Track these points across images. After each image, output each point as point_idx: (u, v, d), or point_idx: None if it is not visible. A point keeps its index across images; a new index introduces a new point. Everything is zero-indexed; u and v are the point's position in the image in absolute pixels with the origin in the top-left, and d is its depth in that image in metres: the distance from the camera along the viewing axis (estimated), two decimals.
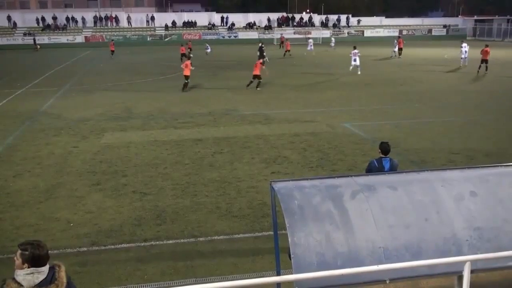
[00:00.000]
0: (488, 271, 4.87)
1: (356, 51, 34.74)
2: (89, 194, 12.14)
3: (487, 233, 5.08)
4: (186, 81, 28.05)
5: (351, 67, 35.03)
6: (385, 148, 8.84)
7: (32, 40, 63.53)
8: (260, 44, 43.80)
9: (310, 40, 56.36)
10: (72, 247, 9.33)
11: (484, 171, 5.88)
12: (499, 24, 79.54)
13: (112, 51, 51.04)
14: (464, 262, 4.38)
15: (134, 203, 11.53)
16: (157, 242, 9.56)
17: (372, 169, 8.72)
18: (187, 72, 27.94)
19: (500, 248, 4.80)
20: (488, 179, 5.65)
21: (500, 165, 6.01)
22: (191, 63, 28.78)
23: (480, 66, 34.93)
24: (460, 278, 4.49)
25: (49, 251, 4.70)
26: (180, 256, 9.03)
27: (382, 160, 8.76)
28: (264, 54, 41.36)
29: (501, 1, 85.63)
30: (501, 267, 4.90)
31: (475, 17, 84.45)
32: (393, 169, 8.63)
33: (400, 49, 48.06)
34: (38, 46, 61.93)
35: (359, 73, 34.09)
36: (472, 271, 4.40)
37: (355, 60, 34.66)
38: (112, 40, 57.77)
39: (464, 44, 39.87)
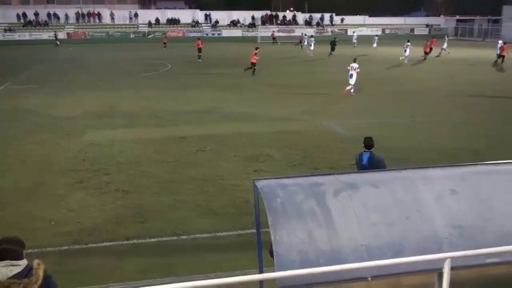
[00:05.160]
0: (468, 268, 4.92)
1: (355, 65, 26.02)
2: (72, 192, 12.05)
3: (467, 230, 5.14)
4: (252, 67, 33.63)
5: (347, 87, 26.19)
6: (366, 143, 9.25)
7: (54, 36, 63.23)
8: (333, 38, 49.87)
9: (355, 36, 57.88)
10: (54, 246, 9.26)
11: (465, 169, 5.94)
12: (480, 24, 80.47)
13: (165, 44, 56.66)
14: (444, 259, 4.43)
15: (117, 201, 11.47)
16: (139, 240, 9.52)
17: (356, 161, 9.35)
18: (252, 60, 33.50)
19: (479, 245, 4.85)
20: (468, 178, 5.71)
21: (481, 164, 6.07)
22: (256, 53, 33.80)
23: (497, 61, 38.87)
24: (440, 275, 4.54)
25: (30, 250, 4.72)
26: (162, 254, 9.01)
27: (362, 154, 9.18)
28: (336, 47, 47.35)
29: (482, 2, 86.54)
30: (481, 264, 4.95)
31: (457, 17, 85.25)
32: (371, 162, 8.95)
33: (428, 50, 44.75)
34: (58, 42, 61.75)
35: (352, 91, 26.14)
36: (452, 268, 4.45)
37: (351, 76, 25.87)
38: (164, 34, 61.90)
39: (408, 44, 42.52)
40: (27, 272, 4.57)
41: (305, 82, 30.74)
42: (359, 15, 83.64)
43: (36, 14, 71.04)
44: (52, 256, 8.71)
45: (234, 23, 76.66)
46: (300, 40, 58.60)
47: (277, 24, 78.22)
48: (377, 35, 61.56)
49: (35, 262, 4.69)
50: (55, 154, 15.24)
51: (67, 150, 15.69)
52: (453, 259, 4.44)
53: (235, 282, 3.84)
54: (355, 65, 25.89)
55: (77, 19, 72.90)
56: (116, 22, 73.93)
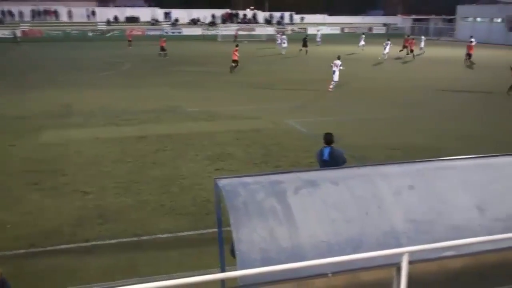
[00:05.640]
0: (425, 261, 5.03)
1: (338, 62, 27.39)
2: (28, 194, 11.75)
3: (424, 225, 5.27)
4: (233, 64, 34.24)
5: (331, 85, 27.11)
6: (326, 138, 9.52)
7: (12, 34, 61.76)
8: (305, 36, 52.39)
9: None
10: (10, 249, 9.02)
11: (421, 165, 6.07)
12: (435, 23, 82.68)
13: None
14: (402, 254, 4.52)
15: (75, 202, 11.26)
16: (99, 242, 9.37)
17: (316, 157, 9.63)
18: (234, 57, 34.22)
19: (436, 239, 4.97)
20: (424, 173, 5.84)
21: (436, 160, 6.23)
22: (237, 50, 34.59)
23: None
24: (399, 269, 4.63)
25: None
26: (123, 256, 8.90)
27: (323, 149, 9.43)
28: (307, 44, 49.08)
29: (437, 2, 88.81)
30: (437, 257, 5.08)
31: (413, 16, 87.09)
32: (332, 156, 9.23)
33: (413, 49, 46.19)
34: (18, 39, 60.42)
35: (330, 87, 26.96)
36: (410, 262, 4.55)
37: (334, 73, 27.11)
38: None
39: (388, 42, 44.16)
40: None
41: (271, 80, 30.84)
42: (319, 14, 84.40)
43: None
44: (9, 260, 8.49)
45: (194, 22, 76.21)
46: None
47: (238, 22, 78.17)
48: (363, 33, 62.05)
49: None
50: (10, 155, 14.84)
51: (22, 151, 15.29)
52: (410, 253, 4.53)
53: (197, 281, 3.83)
54: (338, 62, 27.09)
55: (33, 16, 71.02)
56: (74, 20, 72.41)
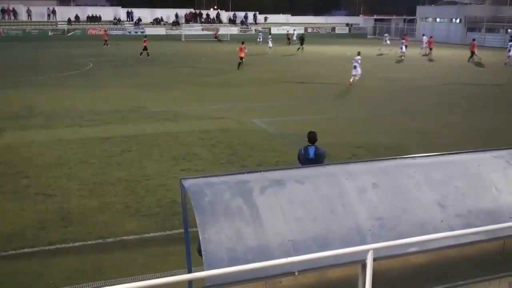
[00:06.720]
0: (389, 258, 5.13)
1: (358, 57, 29.01)
2: None
3: (388, 222, 5.36)
4: (240, 61, 35.45)
5: (351, 79, 28.68)
6: (310, 137, 9.52)
7: None
8: (302, 35, 55.46)
9: (386, 35, 59.90)
10: None
11: (384, 163, 6.19)
12: (396, 24, 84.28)
13: (105, 41, 55.23)
14: (367, 251, 4.60)
15: (37, 205, 11.02)
16: (63, 245, 9.20)
17: (299, 156, 9.52)
18: (241, 54, 35.44)
19: (400, 236, 5.07)
20: (388, 171, 5.95)
21: (399, 157, 6.35)
22: (244, 47, 35.78)
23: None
24: (364, 266, 4.70)
25: None
26: (88, 259, 8.76)
27: (308, 148, 9.42)
28: (304, 42, 51.94)
29: (399, 2, 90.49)
30: (401, 254, 5.18)
31: (375, 17, 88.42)
32: (317, 155, 9.26)
33: (430, 49, 47.43)
34: None
35: (350, 81, 28.51)
36: (374, 259, 4.63)
37: (355, 68, 28.68)
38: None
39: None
40: None
41: (241, 79, 30.81)
42: (282, 14, 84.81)
43: None
44: None
45: (157, 21, 75.53)
46: (287, 38, 62.19)
47: (201, 22, 77.84)
48: (386, 33, 65.04)
49: None
50: None
51: None
52: (375, 250, 4.61)
53: (164, 283, 3.81)
54: (358, 57, 28.84)
55: None
56: (34, 19, 70.78)
